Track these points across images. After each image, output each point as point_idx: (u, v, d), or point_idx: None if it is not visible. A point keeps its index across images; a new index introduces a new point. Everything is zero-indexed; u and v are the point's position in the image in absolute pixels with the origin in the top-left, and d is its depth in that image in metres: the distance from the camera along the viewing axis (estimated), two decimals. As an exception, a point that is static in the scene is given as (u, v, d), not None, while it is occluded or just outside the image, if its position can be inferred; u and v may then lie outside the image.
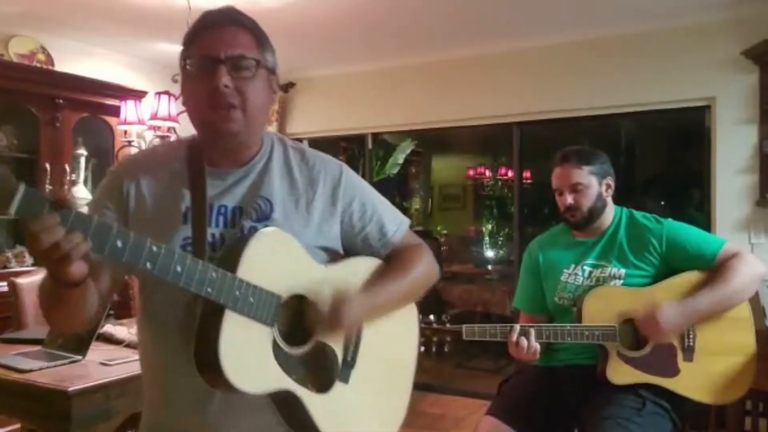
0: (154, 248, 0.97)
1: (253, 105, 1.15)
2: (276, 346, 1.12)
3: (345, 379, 1.23)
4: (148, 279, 1.18)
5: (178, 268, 0.99)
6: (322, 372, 1.19)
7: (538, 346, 1.93)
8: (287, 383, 1.12)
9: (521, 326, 1.95)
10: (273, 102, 1.24)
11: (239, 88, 1.12)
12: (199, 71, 1.13)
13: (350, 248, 1.30)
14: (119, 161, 1.30)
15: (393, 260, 1.32)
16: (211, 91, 1.11)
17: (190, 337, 1.07)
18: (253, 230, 1.13)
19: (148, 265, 0.96)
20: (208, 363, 1.04)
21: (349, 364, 1.24)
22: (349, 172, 1.31)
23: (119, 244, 0.93)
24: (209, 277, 1.02)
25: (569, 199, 2.10)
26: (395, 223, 1.34)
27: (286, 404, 1.15)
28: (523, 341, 1.93)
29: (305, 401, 1.14)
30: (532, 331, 1.94)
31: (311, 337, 1.18)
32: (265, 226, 1.15)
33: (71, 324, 1.16)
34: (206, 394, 1.13)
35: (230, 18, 1.16)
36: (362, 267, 1.29)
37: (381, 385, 1.32)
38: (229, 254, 1.10)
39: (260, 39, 1.18)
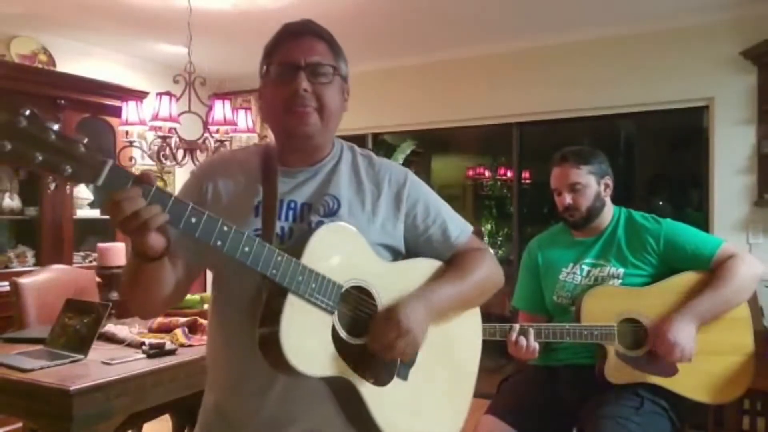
0: (225, 228, 1.05)
1: (328, 109, 1.23)
2: (335, 334, 1.15)
3: (404, 377, 1.24)
4: (222, 269, 1.25)
5: (246, 249, 1.06)
6: (381, 366, 1.20)
7: (536, 345, 1.94)
8: (344, 371, 1.15)
9: (520, 325, 1.96)
10: (345, 108, 1.32)
11: (317, 92, 1.21)
12: (279, 77, 1.22)
13: (413, 249, 1.33)
14: (201, 163, 1.40)
15: (454, 264, 1.34)
16: (291, 94, 1.19)
17: (256, 322, 1.13)
18: (320, 224, 1.18)
19: (219, 242, 1.04)
20: (269, 342, 1.09)
21: (409, 361, 1.25)
22: (414, 177, 1.36)
23: (193, 220, 1.02)
24: (275, 260, 1.09)
25: (568, 199, 2.11)
26: (459, 228, 1.37)
27: (343, 393, 1.18)
28: (522, 340, 1.94)
29: (362, 392, 1.17)
30: (531, 331, 1.95)
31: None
32: (332, 221, 1.21)
33: (149, 301, 1.21)
34: (269, 380, 1.18)
35: (309, 29, 1.28)
36: (424, 265, 1.32)
37: (441, 387, 1.33)
38: (296, 244, 1.16)
39: (335, 49, 1.29)
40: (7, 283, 3.05)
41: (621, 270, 2.06)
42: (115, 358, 2.21)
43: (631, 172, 5.59)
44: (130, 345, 2.40)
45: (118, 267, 3.07)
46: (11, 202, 3.86)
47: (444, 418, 1.34)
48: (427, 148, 7.68)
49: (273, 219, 1.20)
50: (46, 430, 2.14)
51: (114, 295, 2.95)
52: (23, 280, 2.93)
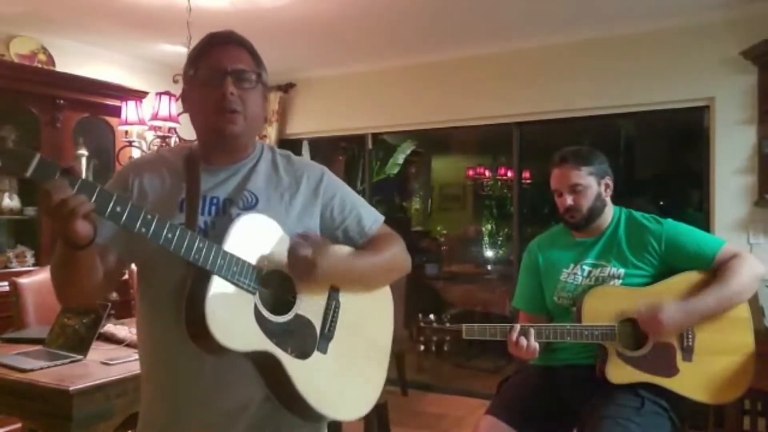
0: (149, 216, 1.13)
1: (252, 111, 1.34)
2: (258, 313, 1.25)
3: (323, 350, 1.34)
4: (148, 261, 1.32)
5: (169, 235, 1.15)
6: (302, 341, 1.30)
7: (537, 346, 1.94)
8: (268, 345, 1.24)
9: (521, 325, 1.96)
10: (265, 111, 1.45)
11: (242, 96, 1.31)
12: (207, 81, 1.31)
13: (331, 240, 1.40)
14: (127, 162, 1.47)
15: (368, 244, 1.46)
16: (218, 98, 1.29)
17: (182, 305, 1.21)
18: (239, 216, 1.28)
19: (143, 229, 1.12)
20: (196, 323, 1.17)
21: (327, 336, 1.35)
22: (329, 174, 1.47)
23: (118, 209, 1.10)
24: (197, 245, 1.18)
25: (569, 200, 2.11)
26: (372, 218, 1.49)
27: (268, 368, 1.26)
28: (523, 340, 1.93)
29: (285, 364, 1.25)
30: (532, 331, 1.94)
31: (291, 310, 1.30)
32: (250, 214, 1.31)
33: (78, 290, 1.27)
34: (198, 366, 1.26)
35: (233, 39, 1.36)
36: (341, 250, 1.41)
37: (358, 360, 1.43)
38: (217, 234, 1.26)
39: (257, 58, 1.38)
40: (6, 283, 3.04)
41: (622, 270, 2.06)
42: (115, 358, 2.21)
43: (631, 172, 5.60)
44: (129, 345, 2.40)
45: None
46: (10, 202, 3.86)
47: (362, 388, 1.44)
48: (427, 148, 7.69)
49: (195, 213, 1.29)
50: (45, 430, 2.14)
51: (113, 296, 2.95)
52: (22, 280, 2.93)
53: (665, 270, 2.05)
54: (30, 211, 3.92)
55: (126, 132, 3.60)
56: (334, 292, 1.37)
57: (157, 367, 1.35)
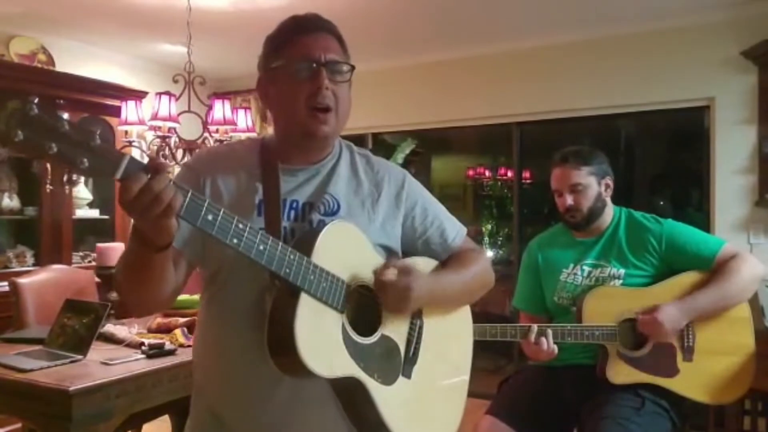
0: (241, 225, 1.01)
1: (344, 108, 1.23)
2: (345, 333, 1.14)
3: (408, 374, 1.25)
4: (221, 270, 1.21)
5: (261, 247, 1.03)
6: (387, 365, 1.21)
7: (555, 347, 1.94)
8: (356, 371, 1.14)
9: (539, 326, 1.96)
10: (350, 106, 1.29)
11: (335, 91, 1.19)
12: (297, 73, 1.18)
13: (410, 250, 1.33)
14: (194, 156, 1.34)
15: (453, 259, 1.36)
16: (311, 93, 1.17)
17: (260, 327, 1.10)
18: (322, 223, 1.18)
19: (235, 240, 1.00)
20: (281, 344, 1.06)
21: (411, 360, 1.26)
22: (411, 179, 1.36)
23: (210, 217, 0.98)
24: (288, 258, 1.06)
25: (569, 199, 2.10)
26: (455, 230, 1.39)
27: (350, 394, 1.17)
28: (543, 341, 1.93)
29: (371, 390, 1.16)
30: (550, 332, 1.94)
31: (377, 329, 1.20)
32: (332, 220, 1.20)
33: (149, 296, 1.15)
34: (271, 386, 1.15)
35: (322, 25, 1.23)
36: (423, 263, 1.32)
37: (441, 384, 1.35)
38: (302, 242, 1.13)
39: (345, 46, 1.25)
40: (6, 283, 3.04)
41: (622, 270, 2.06)
42: (115, 359, 2.21)
43: (632, 172, 5.59)
44: (129, 345, 2.40)
45: (118, 267, 3.06)
46: (10, 202, 3.86)
47: (445, 413, 1.36)
48: (427, 148, 7.67)
49: (278, 218, 1.18)
50: (45, 430, 2.13)
51: (113, 296, 2.94)
52: (22, 280, 2.93)
53: (665, 270, 2.05)
54: (30, 211, 3.92)
55: (126, 132, 3.58)
56: (416, 311, 1.27)
57: (223, 380, 1.22)
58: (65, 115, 0.87)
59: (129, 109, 3.47)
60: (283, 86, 1.20)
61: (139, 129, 3.56)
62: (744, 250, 2.11)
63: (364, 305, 1.20)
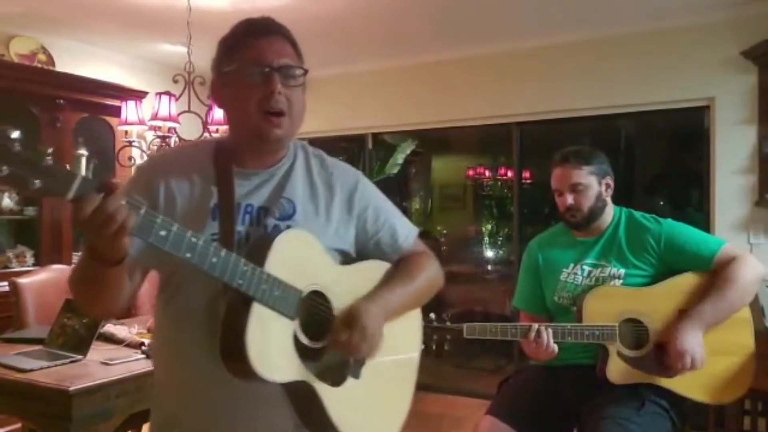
0: (194, 239, 1.03)
1: (297, 111, 1.24)
2: (296, 340, 1.17)
3: (356, 375, 1.28)
4: (177, 272, 1.22)
5: (214, 260, 1.05)
6: (337, 367, 1.24)
7: (555, 346, 1.94)
8: (306, 375, 1.17)
9: (539, 325, 1.95)
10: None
11: (288, 95, 1.20)
12: (250, 77, 1.19)
13: (362, 252, 1.36)
14: (148, 159, 1.34)
15: (402, 265, 1.38)
16: (264, 96, 1.18)
17: (214, 330, 1.12)
18: (277, 228, 1.20)
19: (188, 254, 1.03)
20: (233, 352, 1.09)
21: (360, 361, 1.28)
22: (365, 181, 1.39)
23: (163, 233, 1.00)
24: (241, 269, 1.08)
25: (569, 199, 2.10)
26: (406, 231, 1.42)
27: (301, 397, 1.20)
28: (543, 340, 1.93)
29: (321, 394, 1.19)
30: (550, 331, 1.94)
31: (327, 333, 1.22)
32: (288, 226, 1.22)
33: (103, 305, 1.19)
34: (224, 389, 1.17)
35: (275, 29, 1.25)
36: (373, 268, 1.36)
37: (389, 381, 1.39)
38: (255, 249, 1.15)
39: (298, 50, 1.28)
40: (6, 283, 3.04)
41: (622, 270, 2.06)
42: (115, 359, 2.21)
43: (632, 172, 5.59)
44: (129, 345, 2.40)
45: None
46: (10, 202, 3.86)
47: (393, 409, 1.41)
48: (427, 148, 7.67)
49: (232, 223, 1.19)
50: (45, 430, 2.13)
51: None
52: (22, 281, 2.93)
53: (665, 270, 2.05)
54: (30, 211, 3.92)
55: (126, 132, 3.59)
56: None
57: (179, 380, 1.25)
58: (15, 134, 0.86)
59: (129, 109, 3.47)
60: (236, 90, 1.21)
61: (139, 129, 3.57)
62: (743, 250, 2.11)
63: (317, 311, 1.23)
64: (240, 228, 1.20)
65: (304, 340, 1.18)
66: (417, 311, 1.48)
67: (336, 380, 1.23)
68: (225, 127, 3.53)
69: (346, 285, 1.27)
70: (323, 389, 1.20)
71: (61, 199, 0.92)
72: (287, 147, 1.30)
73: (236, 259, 1.08)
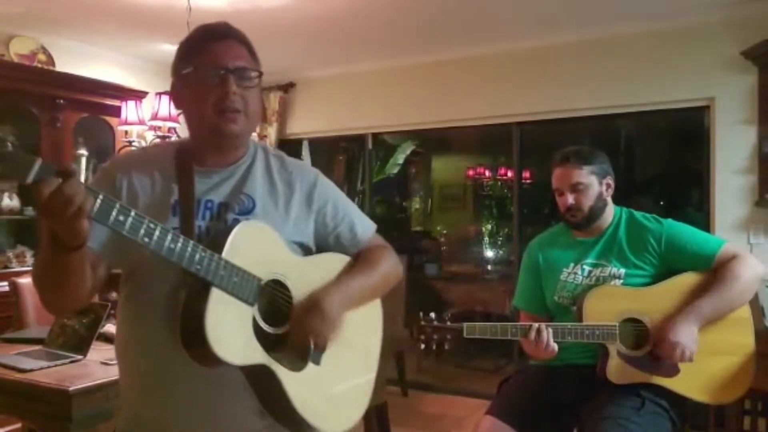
0: (152, 225, 1.08)
1: (252, 110, 1.30)
2: (256, 325, 1.21)
3: (317, 361, 1.32)
4: (136, 269, 1.27)
5: (172, 245, 1.10)
6: (297, 353, 1.28)
7: (555, 345, 1.94)
8: (266, 359, 1.21)
9: (539, 325, 1.95)
10: (262, 108, 1.35)
11: (243, 95, 1.26)
12: (206, 79, 1.25)
13: (322, 246, 1.42)
14: (112, 158, 1.39)
15: (362, 258, 1.44)
16: (220, 97, 1.24)
17: (174, 321, 1.16)
18: (237, 222, 1.25)
19: (146, 239, 1.07)
20: (193, 336, 1.13)
21: (321, 348, 1.32)
22: (323, 178, 1.45)
23: (121, 217, 1.04)
24: (199, 255, 1.13)
25: (570, 199, 2.10)
26: (364, 226, 1.48)
27: (262, 381, 1.23)
28: (543, 339, 1.93)
29: (281, 378, 1.23)
30: (551, 330, 1.94)
31: (287, 320, 1.27)
32: (247, 219, 1.28)
33: (65, 294, 1.20)
34: (187, 377, 1.21)
35: (231, 33, 1.31)
36: (333, 259, 1.41)
37: (349, 369, 1.43)
38: (215, 240, 1.20)
39: (254, 53, 1.34)
40: (6, 283, 3.04)
41: (622, 270, 2.06)
42: (115, 359, 2.20)
43: (632, 172, 5.60)
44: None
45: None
46: (10, 201, 3.85)
47: (354, 397, 1.45)
48: (427, 148, 7.68)
49: (191, 218, 1.25)
50: (45, 430, 2.13)
51: (113, 295, 2.94)
52: (22, 281, 2.93)
53: (665, 270, 2.05)
54: (30, 211, 3.92)
55: (126, 132, 3.60)
56: None
57: (142, 371, 1.29)
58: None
59: (129, 109, 3.48)
60: (194, 91, 1.27)
61: (139, 129, 3.57)
62: (744, 250, 2.11)
63: (277, 299, 1.28)
64: (200, 223, 1.26)
65: (263, 325, 1.22)
66: (377, 302, 1.52)
67: (296, 366, 1.27)
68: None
69: (305, 275, 1.31)
70: (284, 374, 1.23)
71: (22, 183, 0.96)
72: (247, 146, 1.36)
73: (194, 246, 1.12)
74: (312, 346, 1.29)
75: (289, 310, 1.28)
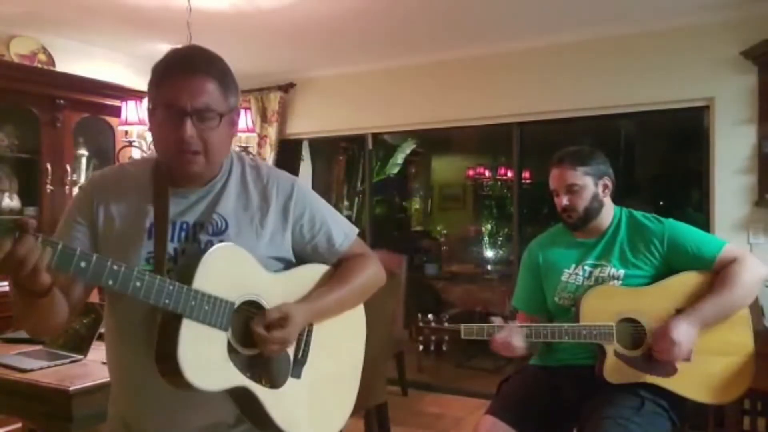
0: (115, 267, 1.09)
1: (214, 148, 1.26)
2: (231, 348, 1.23)
3: (297, 375, 1.34)
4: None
5: (138, 284, 1.11)
6: (276, 369, 1.30)
7: (518, 341, 1.95)
8: (242, 381, 1.23)
9: (508, 324, 1.98)
10: (235, 134, 1.37)
11: (202, 136, 1.23)
12: (167, 120, 1.22)
13: (301, 256, 1.42)
14: (90, 178, 1.38)
15: (339, 269, 1.45)
16: (177, 138, 1.22)
17: (152, 338, 1.19)
18: (210, 244, 1.25)
19: (110, 282, 1.08)
20: (168, 366, 1.15)
21: (301, 361, 1.36)
22: (300, 187, 1.43)
23: (83, 264, 1.05)
24: (166, 290, 1.14)
25: (565, 200, 2.11)
26: (342, 234, 1.46)
27: (243, 400, 1.27)
28: (502, 337, 1.95)
29: (260, 396, 1.25)
30: (518, 328, 1.95)
31: None
32: (221, 240, 1.27)
33: (46, 327, 1.26)
34: (168, 390, 1.22)
35: (199, 67, 1.24)
36: (310, 274, 1.42)
37: (332, 378, 1.45)
38: (185, 267, 1.22)
39: (225, 84, 1.26)
40: (6, 283, 3.04)
41: (621, 271, 2.06)
42: (115, 359, 2.20)
43: (632, 172, 5.60)
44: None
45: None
46: (10, 202, 3.85)
47: (336, 407, 1.46)
48: (427, 148, 7.68)
49: (164, 242, 1.25)
50: (45, 430, 2.13)
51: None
52: (22, 280, 2.92)
53: (665, 270, 2.05)
54: (30, 211, 3.92)
55: (126, 132, 3.59)
56: None
57: (125, 388, 1.33)
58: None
59: (129, 109, 3.47)
60: (157, 126, 1.27)
61: (139, 129, 3.56)
62: (745, 251, 2.10)
63: (252, 319, 1.27)
64: (175, 245, 1.27)
65: (238, 347, 1.24)
66: (360, 309, 1.52)
67: (276, 382, 1.29)
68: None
69: (279, 291, 1.32)
70: (263, 392, 1.26)
71: None
72: (219, 166, 1.34)
73: (161, 281, 1.13)
74: (291, 361, 1.32)
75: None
